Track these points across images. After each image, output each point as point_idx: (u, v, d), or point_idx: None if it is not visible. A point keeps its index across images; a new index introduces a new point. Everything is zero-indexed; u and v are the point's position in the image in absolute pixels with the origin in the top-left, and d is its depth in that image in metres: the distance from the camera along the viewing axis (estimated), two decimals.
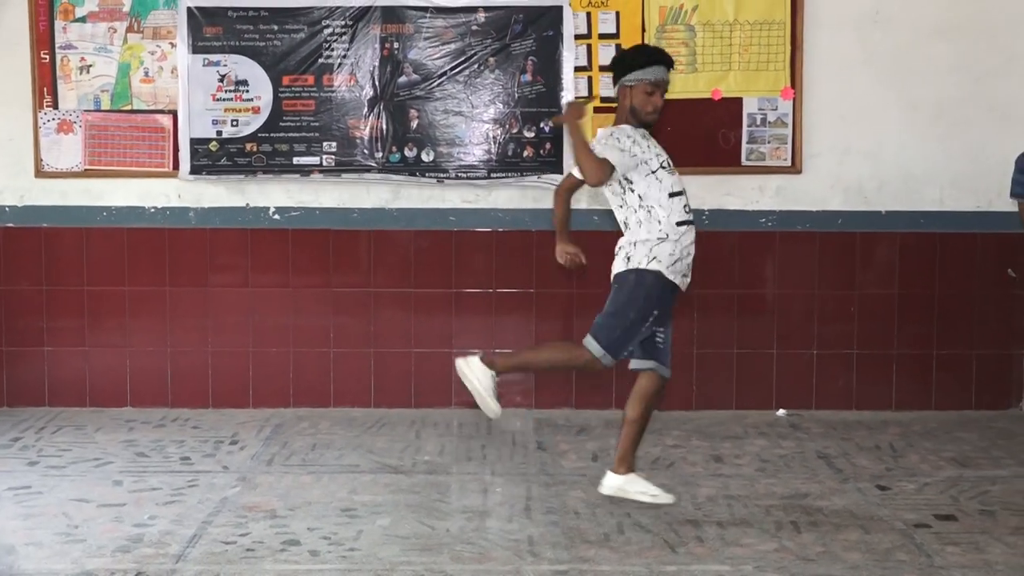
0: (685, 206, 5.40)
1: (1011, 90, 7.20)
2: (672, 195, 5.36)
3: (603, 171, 5.27)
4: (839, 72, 7.20)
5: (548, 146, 7.17)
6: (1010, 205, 7.15)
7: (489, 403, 5.50)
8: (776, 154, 7.17)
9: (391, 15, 7.12)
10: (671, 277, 5.38)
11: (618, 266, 5.48)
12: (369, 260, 7.30)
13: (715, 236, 7.09)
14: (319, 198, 7.26)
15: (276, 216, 7.27)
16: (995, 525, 5.30)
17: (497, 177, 7.20)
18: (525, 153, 7.18)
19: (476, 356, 5.57)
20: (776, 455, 6.39)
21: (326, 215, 7.27)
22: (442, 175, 7.19)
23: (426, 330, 7.31)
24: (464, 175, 7.20)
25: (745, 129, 7.17)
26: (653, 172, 5.34)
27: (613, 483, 5.55)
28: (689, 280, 5.50)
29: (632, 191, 5.40)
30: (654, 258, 5.33)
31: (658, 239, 5.35)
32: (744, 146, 7.18)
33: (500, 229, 7.28)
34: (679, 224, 5.35)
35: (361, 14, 7.11)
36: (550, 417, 7.19)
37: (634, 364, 5.54)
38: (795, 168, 7.15)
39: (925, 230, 7.24)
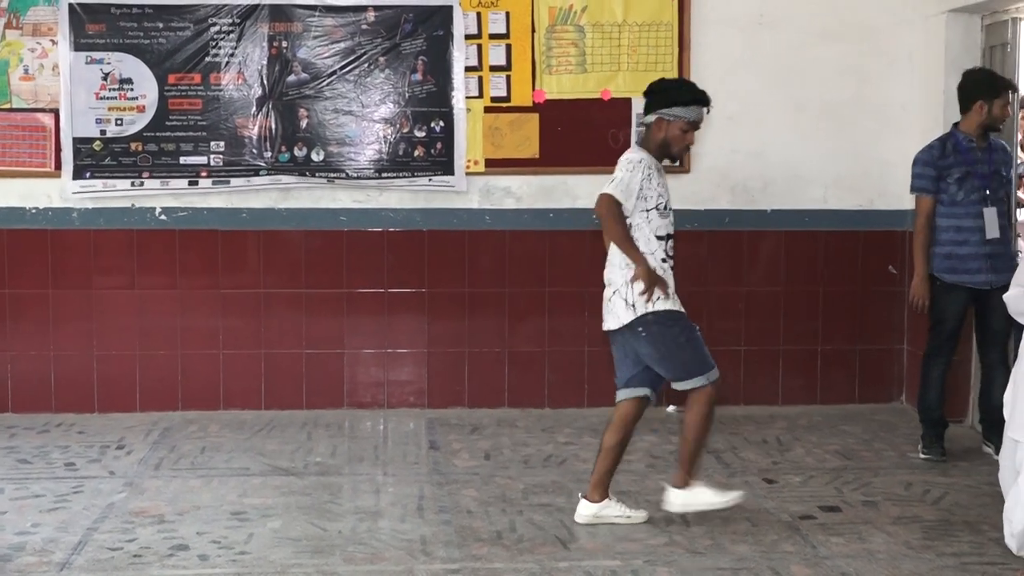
0: (668, 249, 5.22)
1: (892, 93, 7.38)
2: (659, 238, 5.19)
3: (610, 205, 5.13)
4: (726, 73, 7.31)
5: (439, 146, 7.17)
6: (890, 204, 7.36)
7: (731, 499, 5.31)
8: None
9: (279, 13, 7.05)
10: (678, 308, 5.22)
11: (623, 315, 5.18)
12: (259, 261, 7.22)
13: None
14: (207, 198, 7.15)
15: (163, 217, 7.15)
16: (877, 515, 5.43)
17: (388, 177, 7.18)
18: (416, 153, 7.17)
19: (674, 491, 5.29)
20: (666, 451, 6.46)
21: (214, 215, 7.17)
22: (333, 175, 7.15)
23: (318, 331, 7.26)
24: (355, 175, 7.16)
25: (634, 129, 7.24)
26: (647, 210, 5.16)
27: (587, 511, 5.31)
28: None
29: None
30: (657, 297, 5.13)
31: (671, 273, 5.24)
32: (634, 146, 7.23)
33: (392, 229, 7.26)
34: (663, 261, 5.18)
35: (249, 12, 7.03)
36: (443, 416, 7.19)
37: (626, 393, 5.28)
38: (683, 167, 7.24)
39: (809, 228, 7.39)
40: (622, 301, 5.17)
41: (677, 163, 5.24)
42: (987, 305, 6.21)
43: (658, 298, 5.10)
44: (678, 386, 5.19)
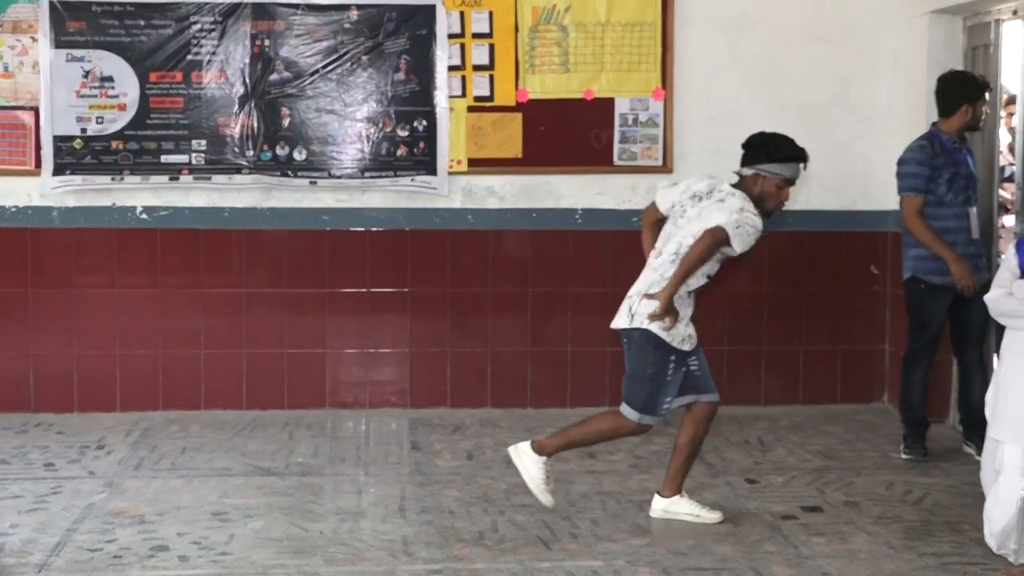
0: (705, 286, 5.26)
1: (875, 93, 7.39)
2: (709, 277, 5.23)
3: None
4: (709, 74, 7.31)
5: (422, 145, 7.15)
6: (873, 204, 7.38)
7: (540, 497, 5.34)
8: (647, 154, 7.26)
9: (262, 12, 7.03)
10: (669, 340, 5.14)
11: (621, 320, 5.24)
12: (241, 260, 7.19)
13: (588, 235, 7.17)
14: (188, 197, 7.12)
15: (144, 215, 7.12)
16: (859, 515, 5.44)
17: (371, 176, 7.16)
18: (399, 152, 7.15)
19: (527, 444, 5.37)
20: (649, 451, 6.46)
21: (196, 215, 7.14)
22: (315, 174, 7.12)
23: (300, 331, 7.24)
24: (337, 174, 7.14)
25: (617, 129, 7.25)
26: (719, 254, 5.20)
27: (658, 506, 5.38)
28: (694, 336, 5.27)
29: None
30: (663, 325, 5.12)
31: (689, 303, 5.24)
32: (616, 146, 7.25)
33: (374, 229, 7.24)
34: (689, 295, 5.19)
35: (231, 10, 7.01)
36: (425, 416, 7.17)
37: (675, 404, 5.27)
38: (666, 167, 7.24)
39: (792, 229, 7.39)
40: (628, 307, 5.22)
41: (768, 218, 5.24)
42: (968, 305, 6.23)
43: (663, 326, 5.10)
44: (621, 410, 5.24)
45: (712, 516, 5.32)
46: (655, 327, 5.10)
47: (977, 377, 6.36)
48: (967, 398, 6.39)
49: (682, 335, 5.17)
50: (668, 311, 5.05)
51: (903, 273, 6.41)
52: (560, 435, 5.41)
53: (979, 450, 6.10)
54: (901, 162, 6.29)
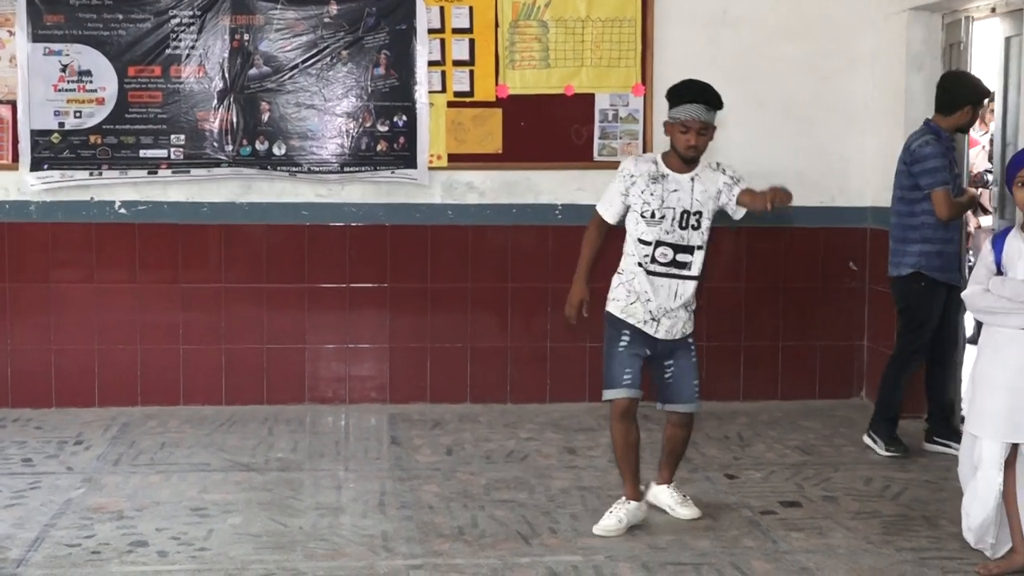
0: (651, 256, 5.12)
1: (853, 90, 7.42)
2: (643, 242, 5.14)
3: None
4: (689, 70, 7.21)
5: (402, 140, 7.14)
6: (852, 200, 7.44)
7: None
8: (627, 149, 7.27)
9: (241, 6, 7.00)
10: (623, 317, 5.17)
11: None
12: (220, 255, 7.17)
13: (568, 231, 7.16)
14: (167, 192, 7.10)
15: (122, 210, 7.09)
16: (837, 510, 5.46)
17: (350, 171, 7.14)
18: (379, 147, 7.14)
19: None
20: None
21: (174, 209, 7.11)
22: (294, 169, 7.11)
23: (279, 326, 7.22)
24: (317, 169, 7.12)
25: (597, 125, 7.26)
26: (637, 213, 5.14)
27: (649, 490, 5.44)
28: (660, 328, 5.16)
29: None
30: (614, 299, 5.22)
31: (619, 276, 5.24)
32: (596, 141, 7.26)
33: (354, 224, 7.23)
34: (639, 265, 5.15)
35: (210, 4, 6.97)
36: (405, 412, 7.17)
37: (659, 405, 5.42)
38: None
39: (771, 225, 7.40)
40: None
41: (692, 166, 5.16)
42: (953, 301, 6.26)
43: (613, 300, 5.22)
44: None
45: (685, 512, 5.33)
46: (610, 305, 5.22)
47: (953, 373, 6.40)
48: (942, 394, 6.43)
49: (641, 315, 5.15)
50: (572, 294, 5.24)
51: (898, 269, 6.34)
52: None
53: (949, 446, 6.17)
54: (922, 159, 6.14)
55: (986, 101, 6.35)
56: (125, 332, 7.12)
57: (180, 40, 6.99)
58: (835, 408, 7.37)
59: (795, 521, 5.31)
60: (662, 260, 5.13)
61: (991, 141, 6.87)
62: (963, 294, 4.80)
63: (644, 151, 7.26)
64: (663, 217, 5.10)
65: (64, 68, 6.94)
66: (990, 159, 6.95)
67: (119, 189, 7.06)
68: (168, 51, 6.99)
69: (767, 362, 7.50)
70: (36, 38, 6.90)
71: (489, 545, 4.97)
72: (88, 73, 6.96)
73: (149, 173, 7.02)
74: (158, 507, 5.39)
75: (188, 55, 7.00)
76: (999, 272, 4.64)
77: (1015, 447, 4.63)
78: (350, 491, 5.68)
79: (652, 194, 5.11)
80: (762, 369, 7.50)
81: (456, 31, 7.18)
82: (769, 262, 7.46)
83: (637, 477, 5.25)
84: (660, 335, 5.17)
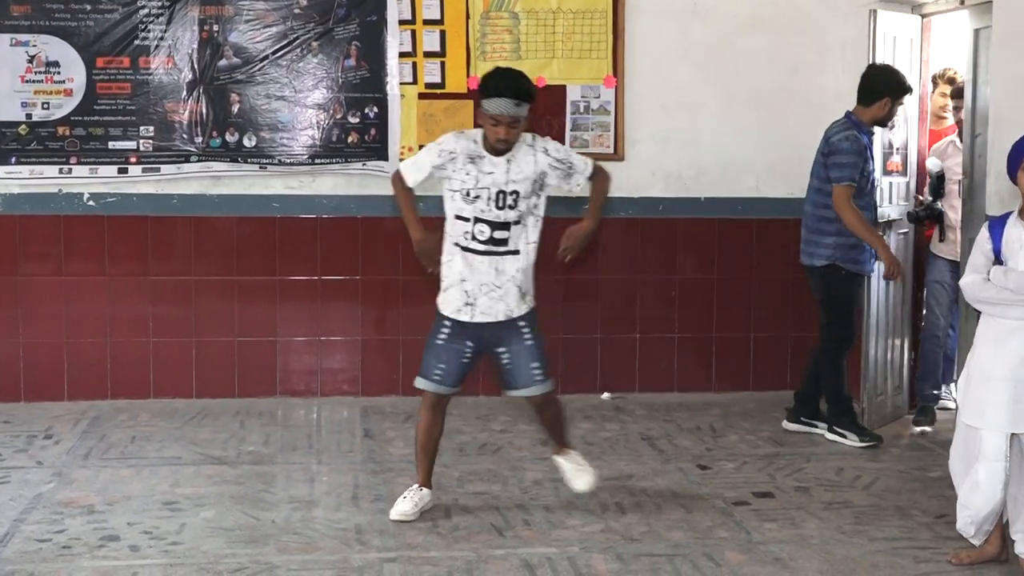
0: (471, 233, 5.10)
1: (823, 82, 7.45)
2: (461, 219, 5.12)
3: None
4: (660, 62, 7.34)
5: (373, 132, 7.12)
6: None
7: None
8: (599, 141, 7.28)
9: None
10: (441, 308, 5.18)
11: None
12: (189, 248, 7.13)
13: None
14: (136, 184, 7.04)
15: (91, 202, 7.03)
16: (810, 501, 5.49)
17: (321, 163, 7.11)
18: (349, 139, 7.11)
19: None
20: (601, 438, 6.49)
21: (144, 201, 7.06)
22: (265, 161, 7.07)
23: (250, 318, 7.19)
24: (287, 161, 7.09)
25: (569, 116, 7.26)
26: (451, 190, 5.13)
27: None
28: (476, 311, 5.12)
29: None
30: (440, 289, 5.20)
31: (445, 261, 5.20)
32: (568, 133, 7.26)
33: (325, 216, 7.20)
34: (455, 244, 5.14)
35: None
36: (377, 404, 7.15)
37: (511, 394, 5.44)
38: (617, 155, 7.26)
39: (742, 216, 7.45)
40: None
41: (500, 156, 5.09)
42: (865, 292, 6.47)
43: (440, 290, 5.21)
44: None
45: (577, 482, 5.40)
46: (438, 296, 5.21)
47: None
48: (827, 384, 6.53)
49: (456, 302, 5.13)
50: (422, 247, 5.16)
51: (811, 260, 6.43)
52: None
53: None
54: (838, 151, 6.25)
55: (906, 97, 6.41)
56: (95, 325, 7.07)
57: (149, 31, 6.94)
58: None
59: (768, 512, 5.34)
60: (480, 238, 5.11)
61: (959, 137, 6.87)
62: (961, 282, 4.66)
63: (615, 143, 7.27)
64: (477, 197, 5.08)
65: (31, 59, 6.87)
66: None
67: (87, 181, 6.99)
68: (137, 42, 6.93)
69: (739, 353, 7.53)
70: (3, 28, 6.83)
71: (463, 538, 4.97)
72: (56, 64, 6.89)
73: (119, 171, 6.96)
74: (129, 501, 5.35)
75: (157, 46, 6.95)
76: (997, 261, 4.54)
77: (1011, 438, 4.56)
78: (323, 484, 5.66)
79: (468, 174, 5.09)
80: (734, 360, 7.53)
81: (427, 22, 7.15)
82: (739, 253, 7.48)
83: (431, 467, 5.29)
84: (478, 318, 5.11)
